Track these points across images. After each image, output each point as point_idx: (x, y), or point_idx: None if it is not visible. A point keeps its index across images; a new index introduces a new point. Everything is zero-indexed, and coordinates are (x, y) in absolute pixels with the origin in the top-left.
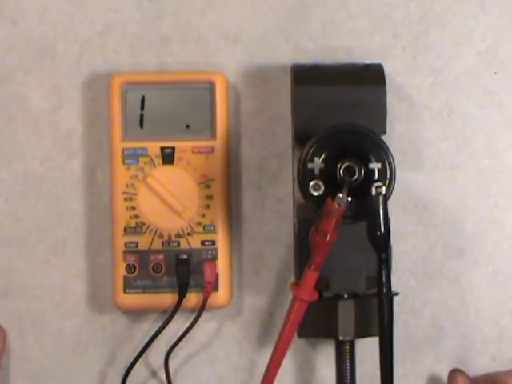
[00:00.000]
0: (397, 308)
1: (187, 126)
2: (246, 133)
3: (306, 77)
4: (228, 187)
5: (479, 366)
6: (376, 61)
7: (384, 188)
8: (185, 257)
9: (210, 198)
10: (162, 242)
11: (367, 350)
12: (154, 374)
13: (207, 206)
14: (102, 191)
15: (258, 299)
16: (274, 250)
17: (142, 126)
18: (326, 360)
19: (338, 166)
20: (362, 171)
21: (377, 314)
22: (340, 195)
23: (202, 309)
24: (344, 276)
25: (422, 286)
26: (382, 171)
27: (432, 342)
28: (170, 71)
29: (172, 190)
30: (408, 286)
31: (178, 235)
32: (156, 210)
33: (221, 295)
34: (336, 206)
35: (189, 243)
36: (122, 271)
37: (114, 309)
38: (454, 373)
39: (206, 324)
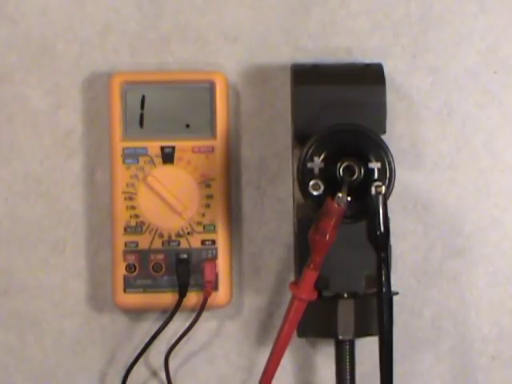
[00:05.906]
0: (396, 307)
1: (187, 126)
2: (246, 133)
3: (305, 76)
4: (228, 187)
5: (479, 365)
6: (376, 60)
7: (384, 187)
8: (185, 256)
9: (210, 197)
10: (162, 242)
11: (367, 349)
12: (154, 373)
13: (207, 206)
14: (101, 191)
15: (258, 299)
16: (273, 250)
17: (142, 125)
18: (325, 359)
19: (338, 165)
20: (362, 171)
21: (376, 313)
22: (340, 195)
23: (201, 308)
24: (344, 275)
25: (421, 286)
26: (382, 171)
27: (432, 342)
28: (169, 71)
29: (172, 189)
30: (408, 286)
31: (178, 235)
32: (156, 210)
33: (221, 295)
34: (336, 205)
35: (189, 243)
36: (121, 271)
37: (114, 308)
38: None
39: (206, 324)
